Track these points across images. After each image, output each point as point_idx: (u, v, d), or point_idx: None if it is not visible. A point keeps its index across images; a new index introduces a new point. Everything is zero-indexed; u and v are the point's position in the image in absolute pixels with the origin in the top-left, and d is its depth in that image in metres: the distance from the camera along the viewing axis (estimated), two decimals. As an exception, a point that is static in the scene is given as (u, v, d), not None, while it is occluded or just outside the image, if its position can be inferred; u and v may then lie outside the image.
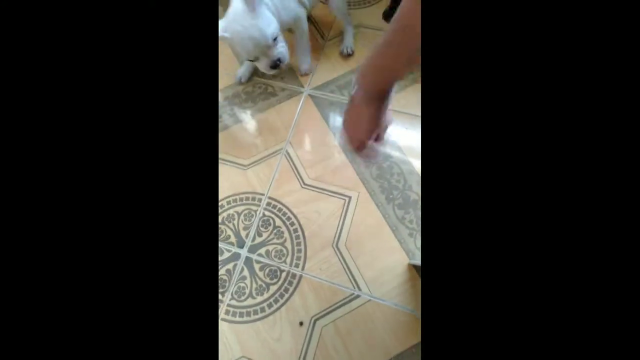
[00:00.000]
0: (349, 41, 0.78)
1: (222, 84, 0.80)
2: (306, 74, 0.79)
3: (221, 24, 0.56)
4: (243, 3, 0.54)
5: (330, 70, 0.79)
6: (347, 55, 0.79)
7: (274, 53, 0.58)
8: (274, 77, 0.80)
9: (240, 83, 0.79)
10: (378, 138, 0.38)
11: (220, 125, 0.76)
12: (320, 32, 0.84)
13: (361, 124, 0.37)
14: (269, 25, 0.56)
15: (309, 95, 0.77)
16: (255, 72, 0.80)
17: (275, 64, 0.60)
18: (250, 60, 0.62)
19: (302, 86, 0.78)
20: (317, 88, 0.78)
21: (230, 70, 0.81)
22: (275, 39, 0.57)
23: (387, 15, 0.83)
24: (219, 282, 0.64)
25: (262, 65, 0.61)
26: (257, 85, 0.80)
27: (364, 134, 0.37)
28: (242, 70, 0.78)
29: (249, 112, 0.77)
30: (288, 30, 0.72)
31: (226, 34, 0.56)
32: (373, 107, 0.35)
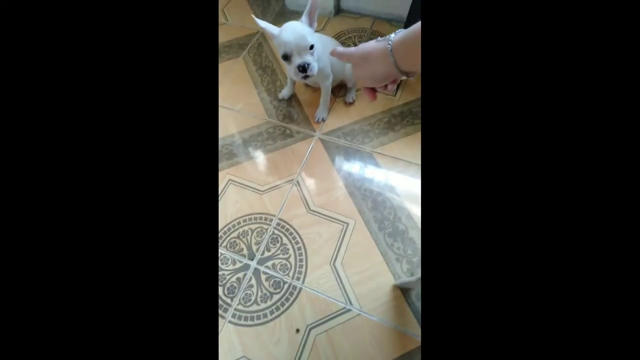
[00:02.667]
0: (352, 94, 0.99)
1: (251, 123, 0.98)
2: (319, 122, 0.96)
3: (276, 27, 0.73)
4: (302, 20, 0.72)
5: (337, 120, 0.97)
6: (349, 104, 0.99)
7: (305, 57, 0.71)
8: (291, 121, 0.97)
9: (282, 100, 1.02)
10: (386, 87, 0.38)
11: (246, 156, 0.92)
12: (332, 93, 1.04)
13: (372, 81, 0.37)
14: (311, 36, 0.72)
15: (319, 138, 0.94)
16: (282, 114, 0.98)
17: (304, 68, 0.70)
18: (284, 59, 0.73)
19: (314, 131, 0.96)
20: (326, 133, 0.95)
21: (258, 114, 1.00)
22: (311, 48, 0.71)
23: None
24: (230, 288, 0.73)
25: (293, 67, 0.72)
26: (278, 128, 0.97)
27: (373, 85, 0.38)
28: (285, 92, 1.01)
29: (268, 148, 0.93)
30: (315, 89, 0.93)
31: (275, 31, 0.72)
32: (390, 77, 0.35)
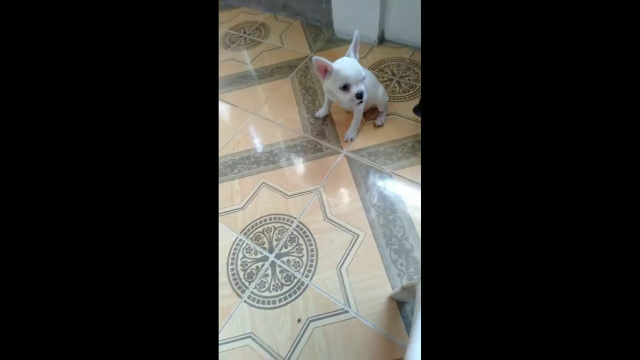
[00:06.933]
0: (382, 118, 1.09)
1: (287, 136, 1.13)
2: (347, 141, 1.07)
3: (333, 64, 0.87)
4: (350, 54, 0.87)
5: (364, 140, 1.06)
6: (378, 126, 1.08)
7: (360, 86, 0.87)
8: (323, 137, 1.09)
9: (318, 118, 1.15)
10: None
11: (280, 164, 1.06)
12: (364, 115, 1.14)
13: None
14: (363, 69, 0.87)
15: (345, 155, 1.04)
16: (316, 131, 1.11)
17: (360, 95, 0.86)
18: (342, 89, 0.86)
19: (342, 148, 1.06)
20: (353, 151, 1.05)
21: (295, 129, 1.14)
22: (363, 79, 0.86)
23: (417, 110, 1.10)
24: (249, 274, 0.86)
25: (350, 95, 0.86)
26: (310, 142, 1.10)
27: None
28: (321, 111, 1.15)
29: (300, 159, 1.06)
30: (349, 111, 1.07)
31: (336, 66, 0.86)
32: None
